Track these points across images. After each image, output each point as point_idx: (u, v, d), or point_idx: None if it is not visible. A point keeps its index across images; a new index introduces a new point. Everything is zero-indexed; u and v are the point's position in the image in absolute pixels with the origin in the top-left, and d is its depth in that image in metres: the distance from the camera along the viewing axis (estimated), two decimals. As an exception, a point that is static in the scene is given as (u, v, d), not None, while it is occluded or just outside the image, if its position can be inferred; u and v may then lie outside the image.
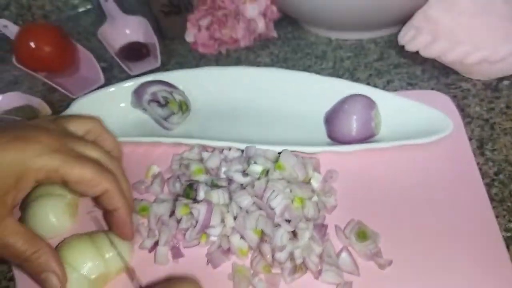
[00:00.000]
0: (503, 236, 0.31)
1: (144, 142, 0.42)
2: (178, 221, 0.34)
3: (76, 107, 0.43)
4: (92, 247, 0.31)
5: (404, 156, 0.37)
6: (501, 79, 0.44)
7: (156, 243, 0.34)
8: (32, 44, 0.51)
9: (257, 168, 0.35)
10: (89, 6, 0.69)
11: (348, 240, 0.32)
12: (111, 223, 0.32)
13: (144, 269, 0.32)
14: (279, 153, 0.36)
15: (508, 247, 0.30)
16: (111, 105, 0.44)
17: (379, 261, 0.30)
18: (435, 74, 0.46)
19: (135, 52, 0.55)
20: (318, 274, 0.30)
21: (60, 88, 0.50)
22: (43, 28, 0.53)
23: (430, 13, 0.42)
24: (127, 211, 0.31)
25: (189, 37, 0.55)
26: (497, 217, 0.32)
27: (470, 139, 0.38)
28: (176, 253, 0.33)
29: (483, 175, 0.35)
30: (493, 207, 0.33)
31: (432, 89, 0.44)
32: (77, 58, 0.55)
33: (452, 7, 0.40)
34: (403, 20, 0.45)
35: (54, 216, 0.35)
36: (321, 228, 0.32)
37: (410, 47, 0.44)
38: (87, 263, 0.31)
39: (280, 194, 0.32)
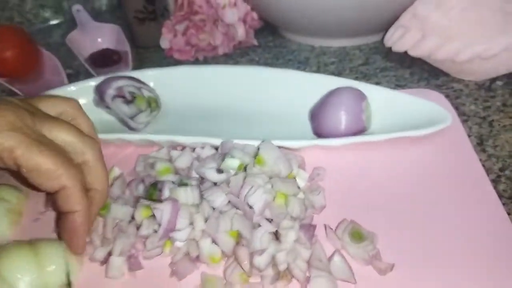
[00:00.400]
0: (520, 234, 0.26)
1: (106, 143, 0.36)
2: (138, 228, 0.29)
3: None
4: (33, 257, 0.26)
5: (399, 152, 0.33)
6: (494, 80, 0.41)
7: (110, 254, 0.28)
8: (-7, 47, 0.47)
9: (233, 163, 0.30)
10: (61, 19, 0.66)
11: (340, 241, 0.27)
12: (62, 228, 0.27)
13: (94, 286, 0.27)
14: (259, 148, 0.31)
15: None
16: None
17: (379, 266, 0.25)
18: (424, 76, 0.44)
19: (105, 58, 0.52)
20: (305, 282, 0.25)
21: (20, 94, 0.46)
22: (5, 30, 0.49)
23: (418, 11, 0.40)
24: (84, 217, 0.26)
25: (164, 43, 0.52)
26: (508, 214, 0.28)
27: (468, 135, 0.35)
28: (134, 265, 0.28)
29: (488, 171, 0.31)
30: (503, 204, 0.29)
31: (423, 90, 0.41)
32: (41, 63, 0.51)
33: (441, 3, 0.39)
34: (388, 27, 0.43)
35: None
36: (309, 228, 0.27)
37: (398, 47, 0.42)
38: (23, 276, 0.25)
39: (259, 189, 0.27)
